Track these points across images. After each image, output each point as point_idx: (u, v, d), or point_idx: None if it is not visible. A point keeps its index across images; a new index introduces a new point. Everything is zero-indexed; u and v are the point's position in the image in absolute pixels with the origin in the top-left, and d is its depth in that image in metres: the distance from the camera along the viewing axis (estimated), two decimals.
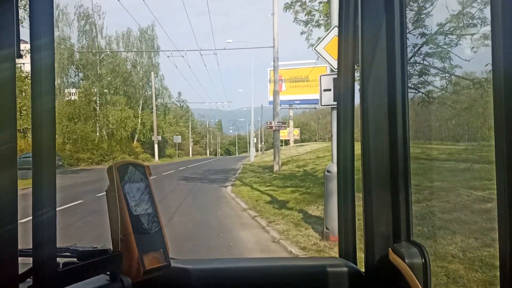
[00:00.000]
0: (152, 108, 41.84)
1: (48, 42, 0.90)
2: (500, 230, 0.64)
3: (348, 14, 1.38)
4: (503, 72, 0.63)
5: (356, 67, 1.37)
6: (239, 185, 14.44)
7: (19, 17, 0.90)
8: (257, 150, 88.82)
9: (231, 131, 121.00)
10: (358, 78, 1.28)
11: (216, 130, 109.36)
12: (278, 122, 18.52)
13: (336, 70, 1.50)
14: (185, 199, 11.72)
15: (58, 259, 0.97)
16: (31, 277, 0.93)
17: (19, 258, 0.87)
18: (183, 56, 26.29)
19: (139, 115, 42.76)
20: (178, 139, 51.31)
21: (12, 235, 0.83)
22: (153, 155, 41.00)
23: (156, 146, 40.59)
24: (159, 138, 41.84)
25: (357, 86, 1.34)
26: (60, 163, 29.69)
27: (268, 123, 18.67)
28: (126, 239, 1.10)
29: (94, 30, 37.44)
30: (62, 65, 36.06)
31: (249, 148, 61.47)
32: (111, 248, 1.12)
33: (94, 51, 36.47)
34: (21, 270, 0.91)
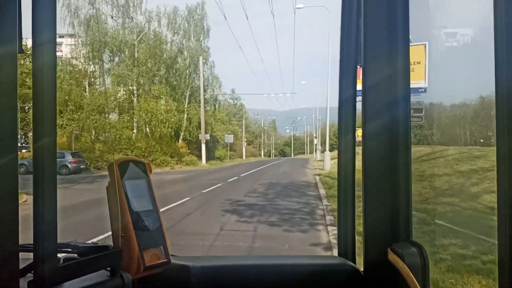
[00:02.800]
0: (199, 101, 35.04)
1: (50, 39, 0.89)
2: (500, 229, 0.65)
3: (351, 14, 1.37)
4: (505, 74, 0.64)
5: (358, 67, 1.35)
6: None
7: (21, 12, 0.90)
8: (312, 152, 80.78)
9: (288, 130, 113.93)
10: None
11: (271, 129, 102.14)
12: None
13: None
14: None
15: (58, 254, 0.96)
16: (32, 272, 0.94)
17: (20, 253, 0.87)
18: None
19: (185, 110, 36.01)
20: (230, 138, 44.14)
21: (13, 230, 0.84)
22: (200, 157, 34.05)
23: (203, 146, 33.54)
24: (207, 137, 34.77)
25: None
26: (82, 166, 23.30)
27: None
28: (127, 236, 1.11)
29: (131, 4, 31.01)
30: (93, 47, 30.04)
31: (317, 150, 53.28)
32: (112, 244, 1.13)
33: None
34: (22, 265, 0.92)
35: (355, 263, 1.38)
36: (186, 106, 36.49)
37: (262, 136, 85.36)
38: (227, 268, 1.34)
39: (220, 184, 15.99)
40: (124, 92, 30.60)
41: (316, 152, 65.28)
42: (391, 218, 1.21)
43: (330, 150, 55.51)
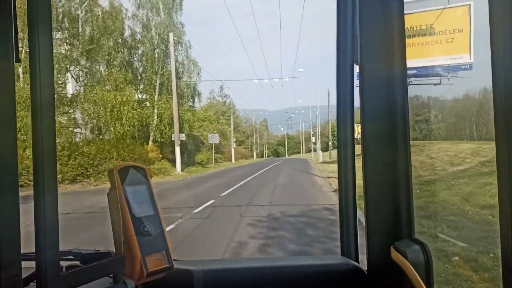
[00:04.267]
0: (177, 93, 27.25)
1: (47, 46, 0.89)
2: (502, 229, 0.65)
3: (346, 13, 1.37)
4: (503, 71, 0.64)
5: (355, 65, 1.35)
6: None
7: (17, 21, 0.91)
8: (309, 152, 73.33)
9: (282, 129, 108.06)
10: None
11: (264, 128, 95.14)
12: None
13: None
14: None
15: (61, 262, 0.96)
16: (35, 281, 0.93)
17: (22, 262, 0.87)
18: None
19: (155, 103, 28.14)
20: (215, 138, 36.28)
21: (14, 239, 0.84)
22: (174, 162, 26.27)
23: (177, 149, 25.70)
24: (182, 136, 26.92)
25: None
26: None
27: None
28: (129, 242, 1.11)
29: None
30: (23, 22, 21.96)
31: (318, 149, 45.01)
32: (114, 250, 1.12)
33: None
34: (24, 274, 0.92)
35: (358, 262, 1.38)
36: (156, 99, 28.59)
37: (254, 136, 77.69)
38: (230, 271, 1.34)
39: (173, 226, 8.23)
40: (62, 80, 22.44)
41: (317, 152, 57.87)
42: (393, 216, 1.20)
43: (324, 150, 48.05)
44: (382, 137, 1.20)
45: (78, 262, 1.04)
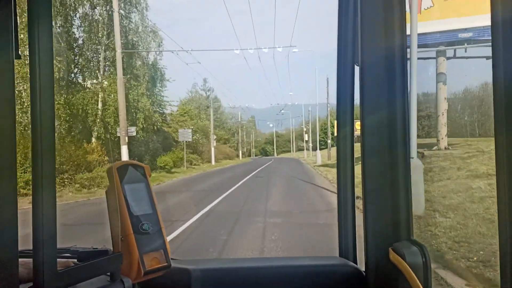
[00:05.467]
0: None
1: (46, 44, 0.90)
2: (501, 228, 0.65)
3: (348, 14, 1.38)
4: (503, 71, 0.64)
5: (355, 66, 1.36)
6: None
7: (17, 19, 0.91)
8: (305, 149, 66.15)
9: (271, 125, 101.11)
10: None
11: (251, 125, 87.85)
12: None
13: None
14: None
15: (58, 260, 0.97)
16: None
17: (20, 259, 0.88)
18: None
19: (101, 86, 20.24)
20: (186, 135, 28.34)
21: (12, 236, 0.84)
22: None
23: (124, 149, 17.84)
24: (132, 131, 19.03)
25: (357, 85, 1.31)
26: None
27: None
28: (126, 240, 1.11)
29: None
30: None
31: (316, 148, 36.80)
32: (111, 248, 1.13)
33: None
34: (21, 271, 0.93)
35: (356, 263, 1.38)
36: (100, 81, 20.65)
37: (240, 133, 69.95)
38: (227, 270, 1.34)
39: None
40: None
41: (310, 151, 50.54)
42: (392, 218, 1.20)
43: (317, 149, 40.96)
44: (381, 138, 1.20)
45: (76, 260, 1.03)
